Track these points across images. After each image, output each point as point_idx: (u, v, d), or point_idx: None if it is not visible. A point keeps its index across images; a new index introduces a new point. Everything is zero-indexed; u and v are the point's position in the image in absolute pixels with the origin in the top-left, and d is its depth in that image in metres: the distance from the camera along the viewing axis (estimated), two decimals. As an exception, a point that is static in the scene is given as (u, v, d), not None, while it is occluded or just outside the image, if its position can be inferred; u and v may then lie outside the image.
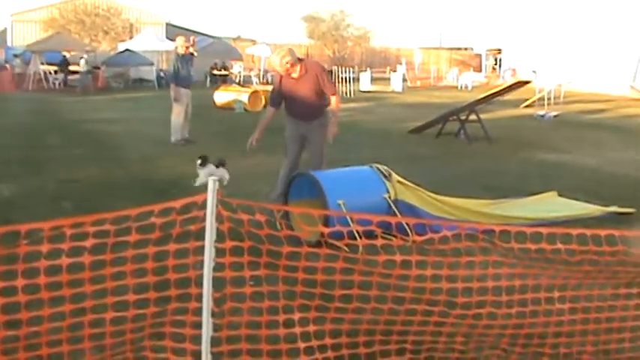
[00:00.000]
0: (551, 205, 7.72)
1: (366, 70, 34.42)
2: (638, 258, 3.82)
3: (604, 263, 3.68)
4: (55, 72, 30.90)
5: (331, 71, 27.04)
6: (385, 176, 6.56)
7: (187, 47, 12.60)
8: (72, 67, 31.06)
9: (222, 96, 20.84)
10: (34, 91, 27.61)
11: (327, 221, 5.50)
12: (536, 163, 11.12)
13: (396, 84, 32.59)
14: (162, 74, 30.53)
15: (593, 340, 3.78)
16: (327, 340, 3.45)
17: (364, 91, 29.72)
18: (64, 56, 32.16)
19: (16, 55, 34.29)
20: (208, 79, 31.98)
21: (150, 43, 34.59)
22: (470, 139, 13.45)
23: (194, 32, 33.27)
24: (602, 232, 3.52)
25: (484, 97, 15.05)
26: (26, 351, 3.09)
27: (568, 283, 3.81)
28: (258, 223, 3.28)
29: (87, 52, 30.68)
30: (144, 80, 31.78)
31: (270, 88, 13.07)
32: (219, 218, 3.09)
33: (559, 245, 3.55)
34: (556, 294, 3.74)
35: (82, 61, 28.24)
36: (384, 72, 40.24)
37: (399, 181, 6.61)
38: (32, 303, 3.02)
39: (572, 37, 32.30)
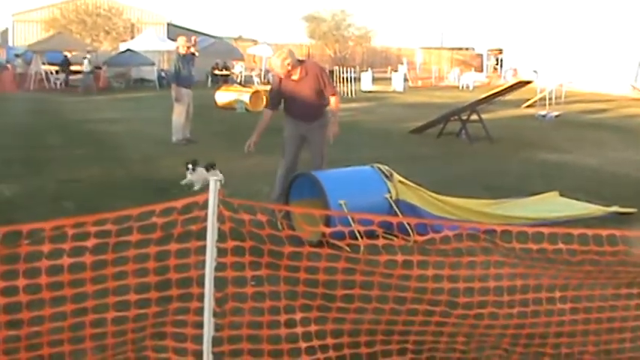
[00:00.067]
0: (552, 205, 7.72)
1: (367, 70, 34.40)
2: (639, 258, 3.82)
3: (605, 263, 3.68)
4: (57, 72, 30.90)
5: (332, 71, 27.08)
6: (386, 176, 6.56)
7: (188, 47, 12.60)
8: (73, 67, 31.09)
9: (223, 96, 20.85)
10: (35, 91, 27.61)
11: (328, 221, 5.50)
12: (538, 163, 11.11)
13: (397, 84, 32.57)
14: (163, 74, 30.51)
15: (594, 340, 3.78)
16: (329, 340, 3.45)
17: (365, 91, 29.71)
18: (66, 56, 32.17)
19: (17, 55, 34.30)
20: (210, 79, 31.98)
21: (151, 43, 34.59)
22: (471, 139, 13.44)
23: (195, 32, 33.32)
24: (604, 232, 3.51)
25: (485, 97, 15.04)
26: (27, 351, 3.09)
27: (569, 283, 3.81)
28: (259, 223, 3.28)
29: (89, 52, 30.65)
30: (145, 80, 31.77)
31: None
32: (220, 218, 3.09)
33: (560, 245, 3.54)
34: (557, 294, 3.74)
35: (86, 62, 28.23)
36: (386, 72, 40.23)
37: (400, 181, 6.61)
38: (33, 303, 3.03)
39: (573, 37, 32.29)
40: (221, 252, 3.14)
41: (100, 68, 30.63)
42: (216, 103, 20.53)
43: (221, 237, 3.11)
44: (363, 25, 53.84)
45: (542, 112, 19.79)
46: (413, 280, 3.44)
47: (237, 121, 16.29)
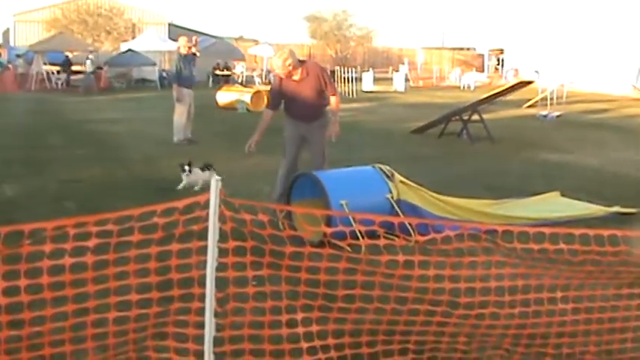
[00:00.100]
0: (553, 205, 7.72)
1: (368, 70, 34.40)
2: (641, 258, 3.81)
3: (607, 263, 3.68)
4: (58, 72, 30.92)
5: (333, 71, 27.08)
6: (388, 176, 6.56)
7: (190, 47, 12.61)
8: (75, 68, 31.10)
9: (224, 96, 20.86)
10: (36, 91, 27.63)
11: (329, 221, 5.50)
12: (539, 163, 11.11)
13: (398, 84, 32.58)
14: (164, 74, 30.54)
15: (595, 341, 3.78)
16: (330, 340, 3.45)
17: (366, 91, 29.71)
18: (67, 56, 32.20)
19: (18, 55, 34.35)
20: (211, 80, 32.00)
21: (152, 43, 34.62)
22: (472, 139, 13.44)
23: (196, 32, 33.30)
24: (605, 233, 3.51)
25: (486, 97, 15.04)
26: (29, 351, 3.09)
27: (571, 283, 3.81)
28: (260, 223, 3.28)
29: (91, 52, 30.66)
30: (146, 80, 31.79)
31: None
32: (221, 218, 3.09)
33: (562, 245, 3.54)
34: (559, 294, 3.74)
35: (89, 62, 28.24)
36: (387, 72, 40.24)
37: (401, 181, 6.61)
38: (35, 303, 3.03)
39: (574, 37, 32.27)
40: (222, 252, 3.14)
41: (101, 68, 30.66)
42: (217, 103, 20.54)
43: (222, 237, 3.11)
44: (364, 25, 53.92)
45: (544, 112, 19.78)
46: (414, 280, 3.44)
47: (239, 122, 16.29)
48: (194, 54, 12.82)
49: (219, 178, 3.08)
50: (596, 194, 8.27)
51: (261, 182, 8.38)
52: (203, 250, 3.12)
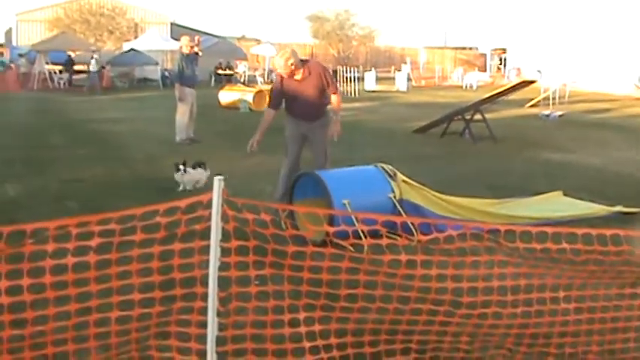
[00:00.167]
0: (556, 205, 7.71)
1: (370, 70, 34.41)
2: (643, 258, 3.81)
3: (609, 263, 3.68)
4: (60, 72, 30.95)
5: (336, 71, 27.08)
6: (390, 176, 6.56)
7: (192, 47, 12.60)
8: (77, 67, 31.13)
9: (226, 95, 20.87)
10: (38, 91, 27.65)
11: (332, 221, 5.50)
12: (541, 163, 11.09)
13: (400, 83, 32.58)
14: (166, 74, 30.54)
15: (598, 340, 3.78)
16: (333, 340, 3.45)
17: (369, 91, 29.71)
18: (69, 56, 32.22)
19: (21, 55, 34.43)
20: (213, 79, 32.02)
21: (154, 42, 34.67)
22: (475, 138, 13.42)
23: (199, 32, 33.42)
24: (608, 232, 3.51)
25: (489, 97, 15.03)
26: (31, 350, 3.09)
27: (573, 283, 3.81)
28: (263, 223, 3.28)
29: (95, 52, 30.68)
30: (148, 80, 31.81)
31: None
32: (224, 217, 3.09)
33: (564, 245, 3.54)
34: (561, 293, 3.73)
35: (93, 61, 28.24)
36: (389, 71, 40.25)
37: (404, 181, 6.61)
38: (37, 302, 3.03)
39: (576, 37, 32.24)
40: (225, 251, 3.14)
41: (103, 68, 30.69)
42: (219, 102, 20.55)
43: (225, 236, 3.11)
44: (366, 25, 54.02)
45: (546, 112, 19.77)
46: (417, 279, 3.44)
47: (241, 121, 16.30)
48: (196, 53, 12.82)
49: (221, 177, 3.08)
50: (598, 194, 8.26)
51: (263, 182, 8.39)
52: (205, 250, 3.12)
